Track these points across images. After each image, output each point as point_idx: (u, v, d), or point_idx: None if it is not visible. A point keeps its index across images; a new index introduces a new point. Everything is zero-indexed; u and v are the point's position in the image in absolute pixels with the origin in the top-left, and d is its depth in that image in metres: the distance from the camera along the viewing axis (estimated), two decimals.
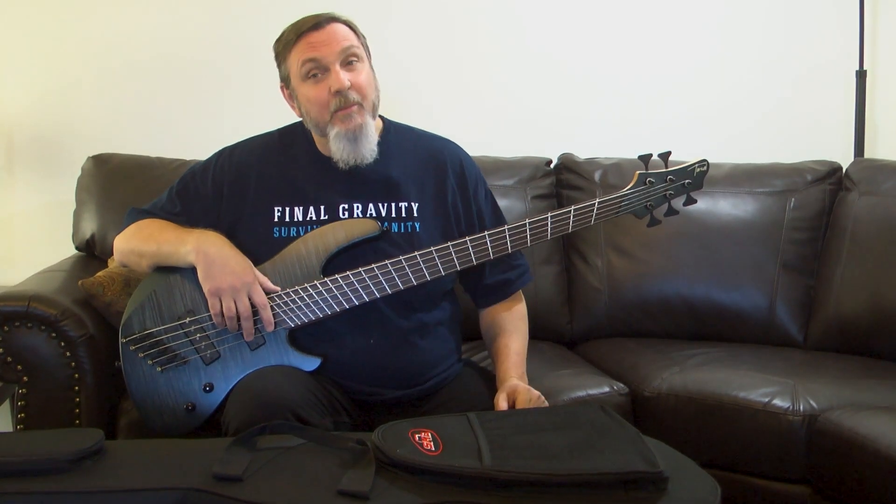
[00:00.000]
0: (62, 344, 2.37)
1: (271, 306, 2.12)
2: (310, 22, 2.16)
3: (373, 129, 2.19)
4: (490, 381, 2.31)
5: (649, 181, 2.16)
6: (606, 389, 2.58)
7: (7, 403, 2.60)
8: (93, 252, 3.01)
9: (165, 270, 2.21)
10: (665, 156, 2.15)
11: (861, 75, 3.37)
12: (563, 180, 3.23)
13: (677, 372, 2.63)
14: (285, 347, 2.14)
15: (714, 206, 3.06)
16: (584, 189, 3.16)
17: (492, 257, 2.13)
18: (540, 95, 3.45)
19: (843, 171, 3.14)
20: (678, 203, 2.21)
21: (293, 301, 2.12)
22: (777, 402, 2.42)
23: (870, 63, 3.39)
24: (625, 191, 2.16)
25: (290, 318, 2.13)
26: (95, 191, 3.02)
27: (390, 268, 2.10)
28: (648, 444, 1.75)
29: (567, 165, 3.24)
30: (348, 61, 2.16)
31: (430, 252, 2.10)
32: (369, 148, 2.18)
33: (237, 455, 1.72)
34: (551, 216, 2.12)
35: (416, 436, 1.76)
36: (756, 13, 3.46)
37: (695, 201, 2.23)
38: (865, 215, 2.94)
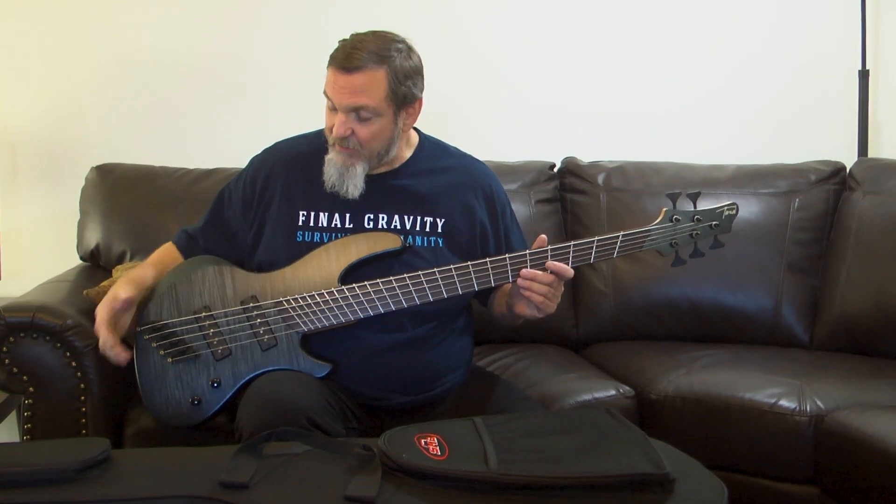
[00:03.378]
0: (68, 354, 2.37)
1: (287, 308, 2.13)
2: (347, 61, 2.11)
3: (360, 174, 2.18)
4: (497, 385, 2.32)
5: (675, 219, 2.17)
6: (612, 392, 2.57)
7: (13, 414, 2.59)
8: (98, 262, 3.00)
9: (188, 267, 2.24)
10: (694, 196, 2.16)
11: (864, 75, 3.37)
12: (566, 184, 3.23)
13: (683, 374, 2.63)
14: (297, 351, 2.14)
15: None
16: (587, 193, 3.16)
17: (510, 281, 2.13)
18: (543, 99, 3.45)
19: (847, 170, 3.14)
20: (704, 245, 2.21)
21: (308, 306, 2.13)
22: (784, 402, 2.42)
23: (872, 62, 3.39)
24: (650, 226, 2.17)
25: (304, 323, 2.13)
26: (99, 201, 3.02)
27: (408, 282, 2.11)
28: (655, 446, 1.75)
29: (570, 169, 3.24)
30: (359, 115, 2.14)
31: (450, 270, 2.11)
32: (353, 189, 2.18)
33: (243, 462, 1.72)
34: (574, 245, 2.12)
35: (422, 441, 1.76)
36: (758, 14, 3.46)
37: (722, 245, 2.22)
38: (870, 215, 2.93)
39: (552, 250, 2.11)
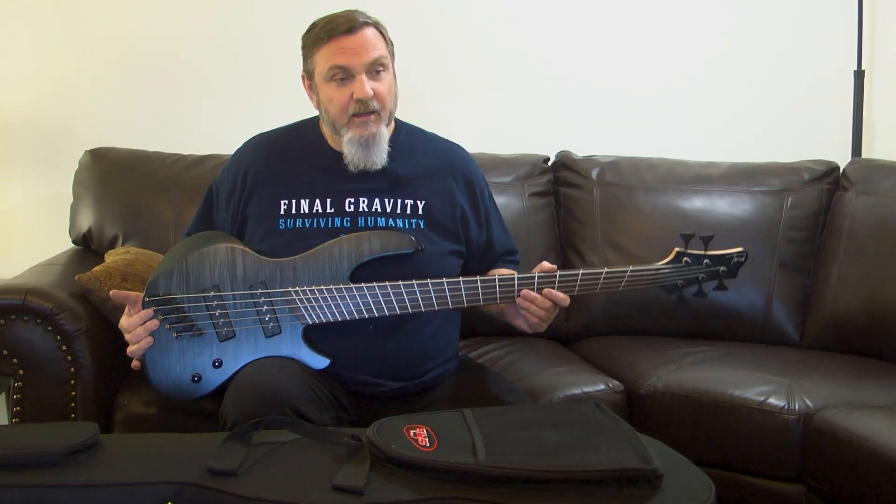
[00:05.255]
0: (58, 337, 2.37)
1: (295, 299, 2.13)
2: (344, 25, 2.16)
3: (385, 137, 2.23)
4: (486, 377, 2.32)
5: (685, 261, 2.20)
6: (602, 387, 2.58)
7: (3, 397, 2.59)
8: (90, 246, 3.00)
9: (200, 241, 2.23)
10: (706, 239, 2.18)
11: (859, 75, 3.37)
12: (560, 178, 3.23)
13: (673, 370, 2.64)
14: (299, 342, 2.15)
15: (711, 204, 3.06)
16: (581, 187, 3.16)
17: (515, 299, 2.16)
18: (538, 93, 3.45)
19: (841, 170, 3.14)
20: (709, 287, 2.23)
21: (315, 299, 2.13)
22: (772, 400, 2.43)
23: (868, 63, 3.39)
24: (659, 265, 2.20)
25: (309, 315, 2.14)
26: (92, 185, 3.01)
27: (416, 289, 2.12)
28: (643, 442, 1.75)
29: (564, 163, 3.24)
30: (375, 70, 2.18)
31: (458, 282, 2.13)
32: (381, 155, 2.22)
33: (232, 450, 1.72)
34: (582, 273, 2.14)
35: (411, 431, 1.76)
36: (756, 13, 3.46)
37: (726, 288, 2.25)
38: (862, 215, 2.94)
39: (560, 276, 2.14)
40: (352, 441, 1.76)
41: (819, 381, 2.55)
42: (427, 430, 1.77)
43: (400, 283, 2.12)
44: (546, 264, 2.17)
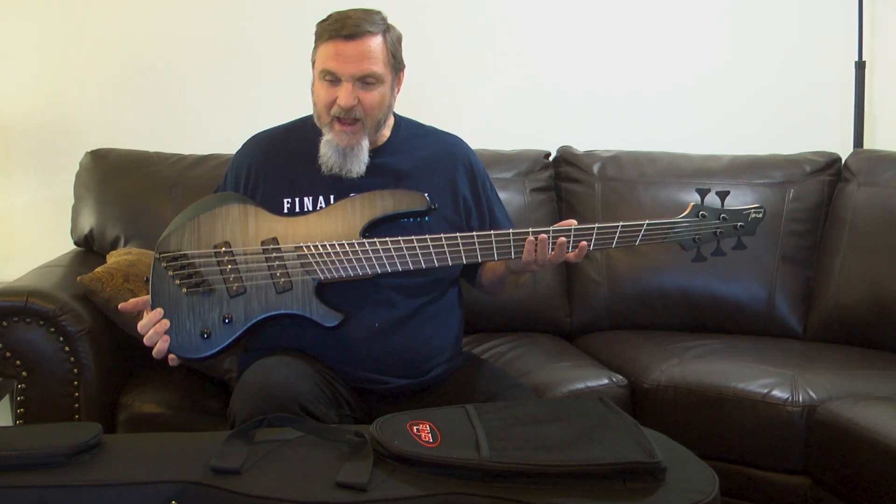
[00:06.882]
0: (61, 339, 2.37)
1: (307, 255, 2.13)
2: (347, 28, 2.15)
3: (365, 149, 2.22)
4: (489, 372, 2.32)
5: (702, 215, 2.19)
6: (605, 381, 2.58)
7: (7, 398, 2.59)
8: (91, 247, 3.00)
9: (213, 201, 2.23)
10: (723, 194, 2.19)
11: (860, 66, 3.36)
12: (561, 173, 3.22)
13: (676, 364, 2.64)
14: (311, 297, 2.14)
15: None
16: (582, 182, 3.16)
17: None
18: (538, 88, 3.44)
19: (842, 161, 3.14)
20: (727, 245, 2.22)
21: (327, 254, 2.13)
22: (776, 393, 2.43)
23: (869, 54, 3.38)
24: (676, 219, 2.19)
25: (321, 271, 2.13)
26: (94, 186, 3.01)
27: (429, 243, 2.12)
28: (647, 435, 1.75)
29: (566, 158, 3.24)
30: (365, 81, 2.17)
31: (472, 237, 2.13)
32: (357, 165, 2.21)
33: (235, 448, 1.72)
34: (598, 228, 2.13)
35: (415, 427, 1.76)
36: (756, 5, 3.45)
37: (744, 247, 2.23)
38: (864, 206, 2.94)
39: (576, 231, 2.13)
40: (355, 438, 1.76)
41: (822, 372, 2.55)
42: (430, 426, 1.77)
43: (413, 237, 2.12)
44: (567, 221, 2.16)
